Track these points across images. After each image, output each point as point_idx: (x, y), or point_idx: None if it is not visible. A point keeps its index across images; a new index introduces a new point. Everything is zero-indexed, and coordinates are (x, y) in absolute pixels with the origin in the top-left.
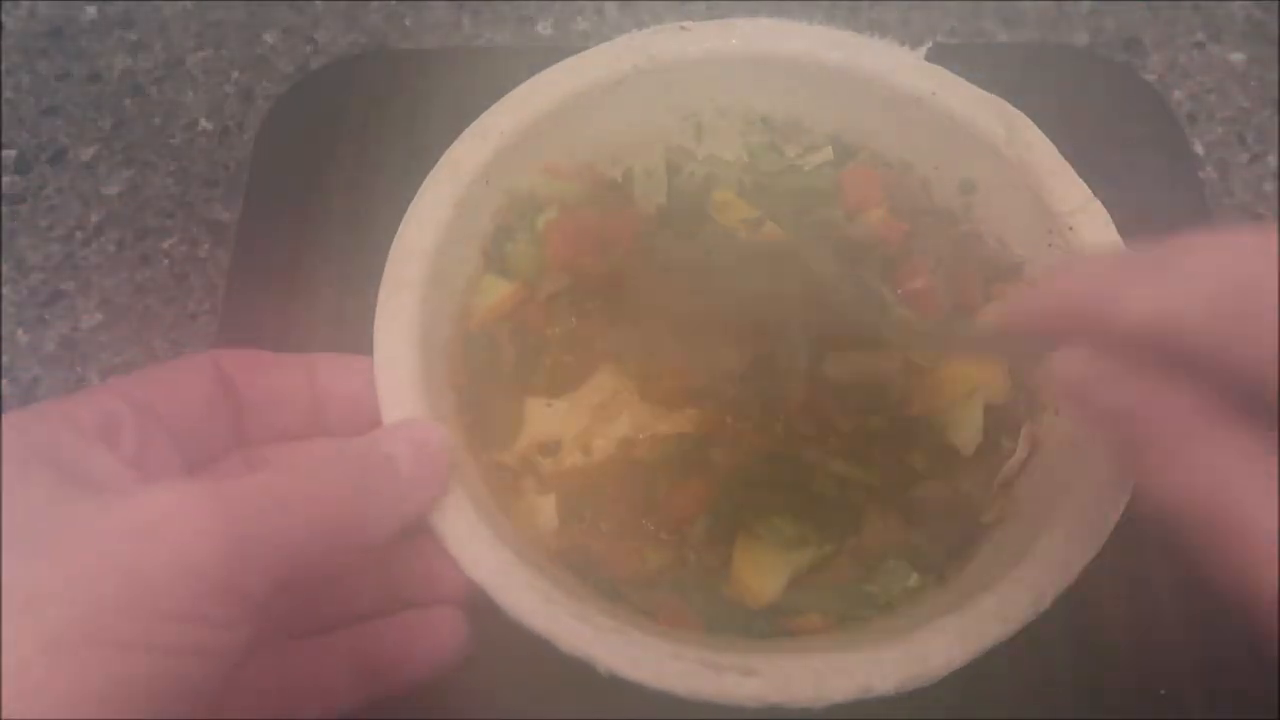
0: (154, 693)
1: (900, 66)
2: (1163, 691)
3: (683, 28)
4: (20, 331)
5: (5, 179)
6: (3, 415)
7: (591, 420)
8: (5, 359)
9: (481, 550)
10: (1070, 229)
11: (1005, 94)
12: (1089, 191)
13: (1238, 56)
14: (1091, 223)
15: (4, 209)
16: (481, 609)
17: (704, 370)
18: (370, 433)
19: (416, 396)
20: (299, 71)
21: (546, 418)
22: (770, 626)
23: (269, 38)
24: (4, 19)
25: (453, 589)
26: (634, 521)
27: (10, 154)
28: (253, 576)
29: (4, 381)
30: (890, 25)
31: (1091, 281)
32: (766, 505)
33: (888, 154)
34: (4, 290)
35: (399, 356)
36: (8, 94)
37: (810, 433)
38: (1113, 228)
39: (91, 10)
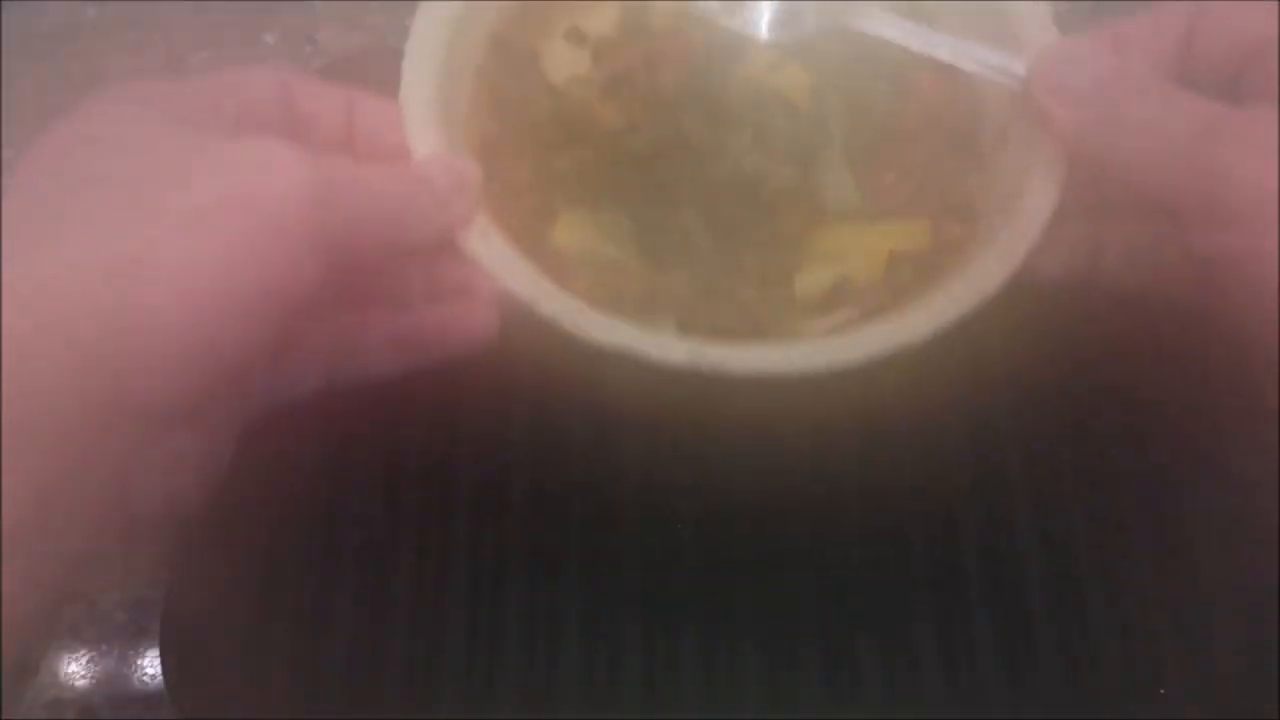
0: (239, 313)
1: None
2: (1162, 691)
3: None
4: None
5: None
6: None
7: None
8: None
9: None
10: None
11: None
12: None
13: None
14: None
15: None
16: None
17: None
18: (411, 160)
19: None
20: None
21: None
22: (542, 259)
23: (269, 38)
24: (4, 19)
25: (487, 294)
26: (541, 138)
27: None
28: (329, 225)
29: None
30: None
31: None
32: (624, 190)
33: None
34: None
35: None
36: (7, 94)
37: (700, 191)
38: None
39: (91, 10)
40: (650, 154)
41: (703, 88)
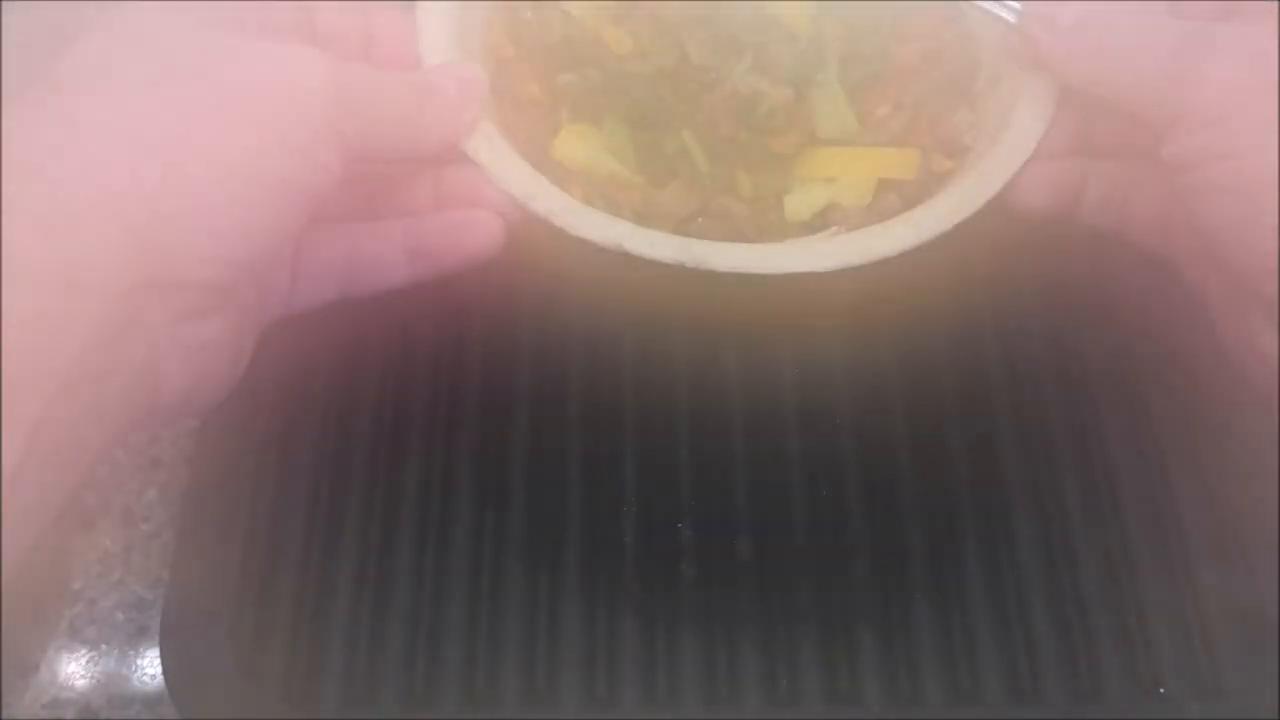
0: (263, 205)
1: None
2: (1162, 690)
3: None
4: None
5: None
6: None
7: None
8: None
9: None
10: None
11: None
12: None
13: None
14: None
15: None
16: (515, 220)
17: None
18: (423, 69)
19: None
20: None
21: None
22: (545, 170)
23: None
24: (4, 19)
25: (492, 201)
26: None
27: None
28: (346, 124)
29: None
30: None
31: None
32: (627, 109)
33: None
34: None
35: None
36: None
37: (699, 112)
38: None
39: (91, 10)
40: (654, 76)
41: (708, 14)
